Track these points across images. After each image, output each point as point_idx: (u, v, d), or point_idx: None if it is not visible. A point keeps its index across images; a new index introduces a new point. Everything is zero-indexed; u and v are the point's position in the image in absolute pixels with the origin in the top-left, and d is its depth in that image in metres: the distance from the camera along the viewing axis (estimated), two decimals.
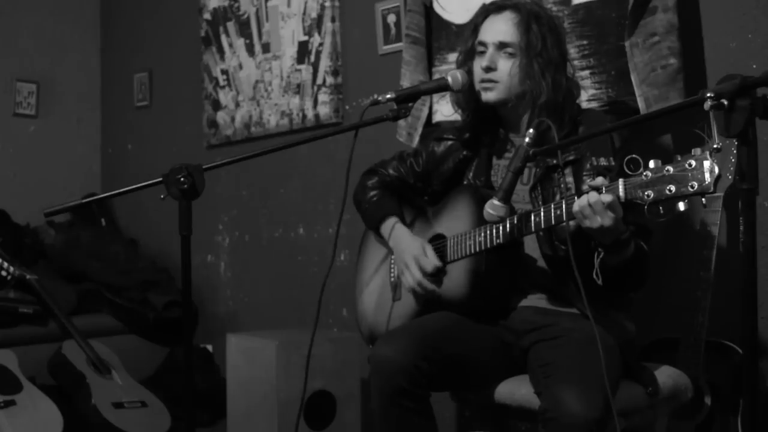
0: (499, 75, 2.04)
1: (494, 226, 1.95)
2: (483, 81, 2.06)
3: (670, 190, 1.59)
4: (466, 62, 2.14)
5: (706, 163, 1.54)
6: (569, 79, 2.09)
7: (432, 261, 2.10)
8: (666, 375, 2.00)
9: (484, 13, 2.11)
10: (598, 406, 1.67)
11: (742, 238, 1.38)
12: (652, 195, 1.63)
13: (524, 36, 2.02)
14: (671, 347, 2.17)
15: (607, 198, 1.69)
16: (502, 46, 2.04)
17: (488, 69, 2.04)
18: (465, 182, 2.17)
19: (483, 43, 2.07)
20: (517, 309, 2.06)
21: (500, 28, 2.05)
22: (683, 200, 1.59)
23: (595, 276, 1.82)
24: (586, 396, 1.67)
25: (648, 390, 1.90)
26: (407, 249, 2.15)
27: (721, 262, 2.12)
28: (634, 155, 1.66)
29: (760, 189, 1.39)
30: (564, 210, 1.80)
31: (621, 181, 1.69)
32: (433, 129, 2.84)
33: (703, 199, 1.58)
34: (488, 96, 2.06)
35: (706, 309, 2.11)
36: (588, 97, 2.47)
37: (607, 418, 1.68)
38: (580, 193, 1.76)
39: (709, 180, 1.54)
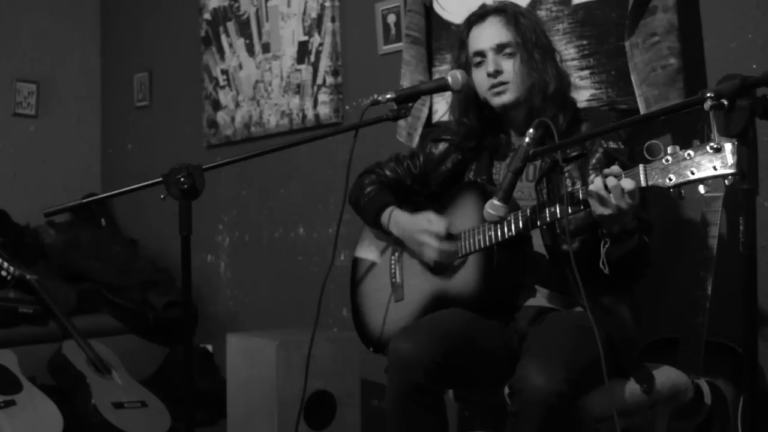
0: (507, 76, 2.04)
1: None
2: (493, 87, 2.05)
3: (692, 173, 1.61)
4: None
5: (728, 146, 1.56)
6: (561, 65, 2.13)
7: (442, 224, 2.08)
8: (666, 375, 2.00)
9: (467, 25, 2.12)
10: (559, 379, 1.68)
11: (742, 238, 1.38)
12: (674, 179, 1.64)
13: (517, 31, 2.04)
14: (671, 347, 2.17)
15: (628, 184, 1.69)
16: (500, 48, 2.05)
17: (496, 73, 2.04)
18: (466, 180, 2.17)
19: (480, 53, 2.07)
20: (522, 308, 2.06)
21: (492, 32, 2.06)
22: (705, 183, 1.60)
23: (601, 265, 1.82)
24: (548, 368, 1.69)
25: (642, 387, 1.90)
26: (413, 226, 2.13)
27: (721, 262, 2.12)
28: (654, 141, 1.68)
29: (760, 189, 1.39)
30: (574, 200, 1.81)
31: (641, 167, 1.69)
32: (431, 129, 2.83)
33: (726, 181, 1.60)
34: (503, 99, 2.05)
35: (706, 309, 2.11)
36: (588, 97, 2.47)
37: (570, 393, 1.69)
38: (587, 185, 1.76)
39: (731, 161, 1.56)
